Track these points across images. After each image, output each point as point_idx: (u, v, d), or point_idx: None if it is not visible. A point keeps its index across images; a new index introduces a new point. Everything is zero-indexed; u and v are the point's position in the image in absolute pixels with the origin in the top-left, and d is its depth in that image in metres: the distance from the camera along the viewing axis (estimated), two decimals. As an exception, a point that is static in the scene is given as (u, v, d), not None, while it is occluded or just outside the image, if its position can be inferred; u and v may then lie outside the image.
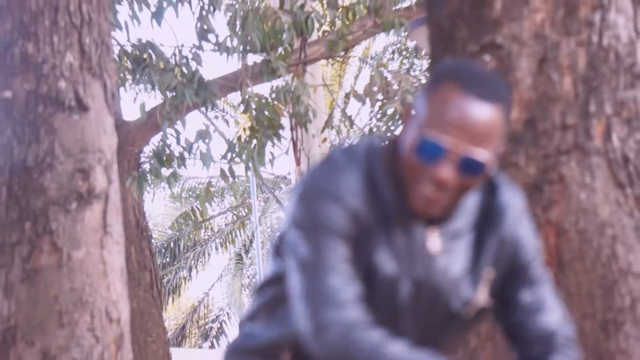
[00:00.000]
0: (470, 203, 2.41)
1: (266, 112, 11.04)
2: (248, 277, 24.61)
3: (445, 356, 2.43)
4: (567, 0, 3.88)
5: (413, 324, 2.38)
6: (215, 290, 25.43)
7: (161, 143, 10.52)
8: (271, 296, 2.55)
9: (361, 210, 2.32)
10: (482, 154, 2.20)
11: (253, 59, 11.32)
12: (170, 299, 22.39)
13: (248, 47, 10.85)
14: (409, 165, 2.26)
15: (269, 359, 2.52)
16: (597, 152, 3.71)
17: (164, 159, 10.45)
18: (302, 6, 10.84)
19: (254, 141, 11.05)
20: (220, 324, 24.08)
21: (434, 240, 2.35)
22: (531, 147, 3.77)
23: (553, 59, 3.83)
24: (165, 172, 10.55)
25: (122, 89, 11.17)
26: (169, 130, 10.48)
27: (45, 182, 5.88)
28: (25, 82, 6.04)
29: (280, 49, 11.01)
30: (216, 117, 11.65)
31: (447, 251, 2.36)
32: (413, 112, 2.30)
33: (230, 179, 11.09)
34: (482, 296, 2.42)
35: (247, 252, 24.11)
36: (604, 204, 3.65)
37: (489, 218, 2.43)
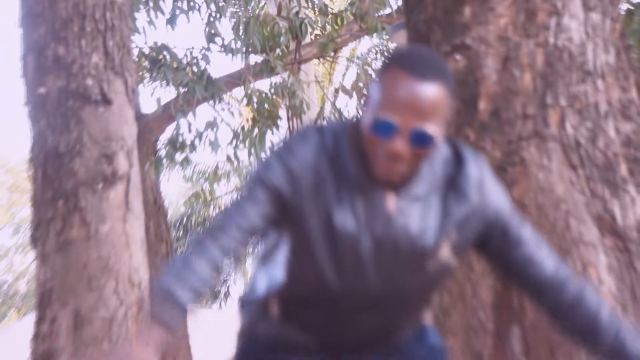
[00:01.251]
0: (433, 172, 2.41)
1: (266, 105, 11.05)
2: (251, 246, 24.51)
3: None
4: (527, 7, 3.87)
5: (378, 275, 2.38)
6: (222, 259, 25.39)
7: (175, 132, 10.51)
8: (260, 258, 2.61)
9: (302, 174, 2.36)
10: (430, 127, 2.20)
11: (254, 59, 11.31)
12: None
13: (250, 49, 10.84)
14: (369, 142, 2.27)
15: (264, 308, 2.56)
16: (553, 138, 3.71)
17: (178, 145, 10.45)
18: (297, 13, 10.84)
19: (256, 130, 11.06)
20: (227, 287, 24.02)
21: (391, 202, 2.35)
22: (496, 134, 3.77)
23: (515, 58, 3.83)
24: (179, 157, 10.54)
25: (141, 86, 11.14)
26: (182, 121, 10.48)
27: (75, 166, 5.88)
28: (57, 79, 6.03)
29: (278, 50, 11.02)
30: (222, 110, 11.61)
31: (405, 212, 2.35)
32: (369, 96, 2.32)
33: (235, 163, 11.08)
34: (444, 252, 2.41)
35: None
36: (559, 183, 3.65)
37: (454, 186, 2.43)
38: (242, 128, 11.14)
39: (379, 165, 2.27)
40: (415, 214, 2.36)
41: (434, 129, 2.21)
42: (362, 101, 2.38)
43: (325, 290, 2.41)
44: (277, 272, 2.51)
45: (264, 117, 10.98)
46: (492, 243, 2.50)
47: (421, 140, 2.21)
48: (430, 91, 2.19)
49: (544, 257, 2.51)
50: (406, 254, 2.38)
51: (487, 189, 2.46)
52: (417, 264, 2.40)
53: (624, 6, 8.95)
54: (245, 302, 2.63)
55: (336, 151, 2.38)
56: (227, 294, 23.58)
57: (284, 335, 2.54)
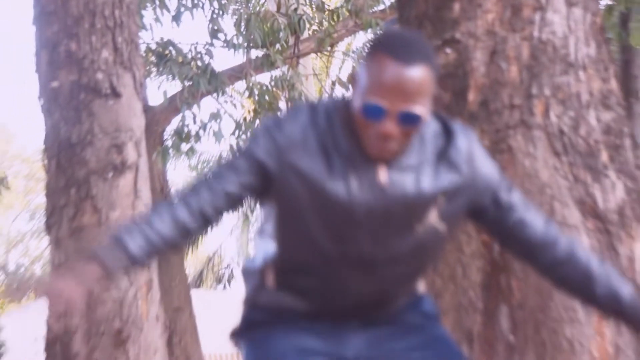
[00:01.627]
0: (423, 144, 2.40)
1: (266, 97, 11.04)
2: (253, 232, 24.56)
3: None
4: (513, 3, 3.88)
5: (371, 240, 2.38)
6: (227, 243, 25.40)
7: (181, 123, 10.52)
8: (257, 234, 2.64)
9: (289, 147, 2.36)
10: (417, 108, 2.21)
11: (255, 53, 11.31)
12: (190, 250, 22.30)
13: (251, 44, 10.84)
14: (360, 124, 2.28)
15: (262, 278, 2.58)
16: (538, 127, 3.71)
17: (183, 136, 10.46)
18: (296, 10, 10.84)
19: (257, 121, 11.05)
20: (231, 270, 23.98)
21: (383, 173, 2.35)
22: (485, 123, 3.77)
23: (502, 51, 3.83)
24: (184, 147, 10.55)
25: (148, 79, 11.15)
26: (187, 113, 10.49)
27: (86, 155, 5.89)
28: (70, 74, 6.04)
29: (277, 45, 11.00)
30: (225, 102, 11.62)
31: (396, 181, 2.35)
32: (358, 79, 2.32)
33: (238, 152, 11.07)
34: (433, 217, 2.41)
35: (252, 212, 23.98)
36: (544, 169, 3.66)
37: (445, 158, 2.42)
38: (244, 119, 11.15)
39: (371, 145, 2.28)
40: (407, 182, 2.36)
41: (421, 108, 2.22)
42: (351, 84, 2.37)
43: (319, 256, 2.41)
44: (271, 242, 2.52)
45: (265, 108, 10.98)
46: (486, 212, 2.50)
47: (409, 121, 2.23)
48: (415, 74, 2.20)
49: (534, 218, 2.53)
50: (397, 220, 2.37)
51: (477, 160, 2.46)
52: (407, 228, 2.39)
53: (604, 1, 8.95)
54: (246, 273, 2.64)
55: (328, 127, 2.38)
56: (231, 276, 23.60)
57: (282, 303, 2.54)
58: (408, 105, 2.20)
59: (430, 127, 2.43)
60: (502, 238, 2.57)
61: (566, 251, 2.52)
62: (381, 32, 2.34)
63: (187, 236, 2.41)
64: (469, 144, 2.45)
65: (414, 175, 2.36)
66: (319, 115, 2.41)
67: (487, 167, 2.48)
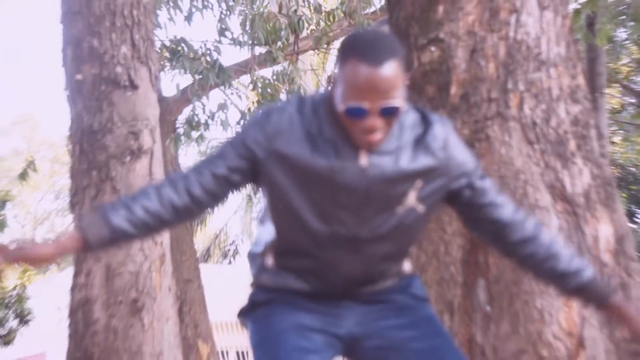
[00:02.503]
0: (402, 131, 2.39)
1: (269, 90, 11.02)
2: (256, 212, 24.51)
3: None
4: (491, 6, 3.88)
5: (355, 219, 2.38)
6: (232, 222, 25.37)
7: (191, 113, 10.50)
8: (258, 220, 2.66)
9: (276, 136, 2.36)
10: (394, 101, 2.20)
11: (259, 50, 11.29)
12: (199, 227, 22.28)
13: (255, 42, 10.82)
14: (346, 124, 2.28)
15: (263, 261, 2.59)
16: (514, 118, 3.72)
17: (194, 124, 10.44)
18: (295, 11, 10.83)
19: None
20: (236, 246, 23.97)
21: (364, 158, 2.34)
22: (465, 115, 3.78)
23: (481, 50, 3.83)
24: (195, 134, 10.53)
25: (162, 73, 11.12)
26: (197, 104, 10.47)
27: (106, 141, 5.89)
28: (92, 68, 6.04)
29: (279, 43, 10.98)
30: (232, 94, 11.60)
31: (376, 164, 2.34)
32: (336, 79, 2.31)
33: (243, 140, 11.04)
34: (411, 198, 2.41)
35: (255, 193, 24.00)
36: (518, 157, 3.66)
37: (422, 143, 2.40)
38: (249, 109, 11.14)
39: (360, 139, 2.27)
40: (386, 163, 2.35)
41: (398, 100, 2.21)
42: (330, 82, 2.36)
43: (309, 237, 2.42)
44: (269, 227, 2.53)
45: (267, 100, 10.96)
46: (461, 195, 2.48)
47: (390, 113, 2.22)
48: (387, 72, 2.18)
49: (504, 202, 2.52)
50: (378, 200, 2.37)
51: (452, 147, 2.44)
52: (388, 208, 2.39)
53: (572, 5, 8.96)
54: (251, 257, 2.65)
55: (314, 116, 2.37)
56: (235, 252, 23.60)
57: (281, 283, 2.55)
58: (386, 100, 2.19)
59: (410, 117, 2.42)
60: (475, 219, 2.55)
61: (532, 230, 2.51)
62: (347, 36, 2.31)
63: (175, 212, 2.41)
64: (445, 133, 2.44)
65: (393, 157, 2.36)
66: (305, 106, 2.40)
67: (461, 154, 2.47)
